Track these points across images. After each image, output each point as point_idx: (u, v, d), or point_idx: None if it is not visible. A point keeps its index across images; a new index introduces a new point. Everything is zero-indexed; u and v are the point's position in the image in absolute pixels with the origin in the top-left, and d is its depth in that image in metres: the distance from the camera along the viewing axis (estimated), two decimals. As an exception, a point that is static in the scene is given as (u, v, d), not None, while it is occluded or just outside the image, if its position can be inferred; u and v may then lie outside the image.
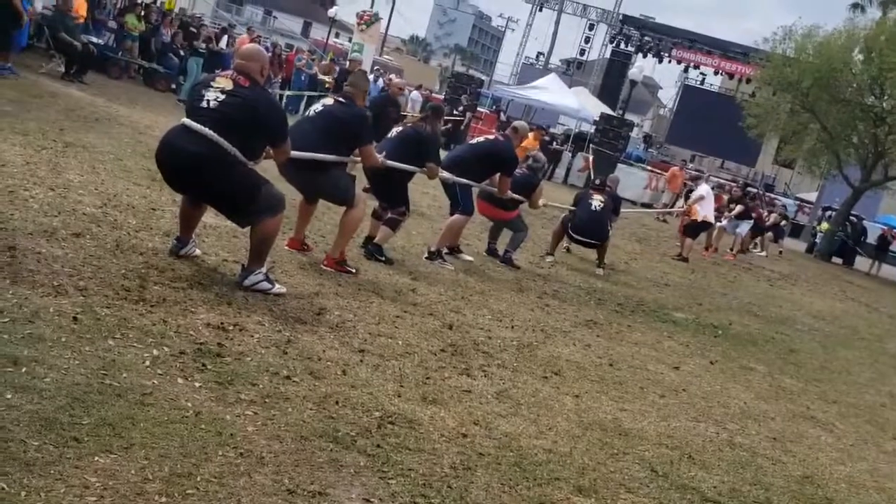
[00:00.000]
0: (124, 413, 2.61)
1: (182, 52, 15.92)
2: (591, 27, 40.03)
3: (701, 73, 37.02)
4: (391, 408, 3.28)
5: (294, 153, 4.66)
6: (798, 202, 31.21)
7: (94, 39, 13.75)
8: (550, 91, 25.57)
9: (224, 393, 2.99)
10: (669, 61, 35.15)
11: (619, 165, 21.51)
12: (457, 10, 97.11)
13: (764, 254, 16.20)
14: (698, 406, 4.58)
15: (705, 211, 12.20)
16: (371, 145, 5.46)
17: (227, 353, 3.36)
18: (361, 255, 5.96)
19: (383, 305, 4.82)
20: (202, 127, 4.03)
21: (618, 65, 35.54)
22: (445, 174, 6.61)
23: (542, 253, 8.77)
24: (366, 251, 6.03)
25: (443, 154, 7.08)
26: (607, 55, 38.79)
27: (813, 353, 7.35)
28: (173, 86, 15.63)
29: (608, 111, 25.79)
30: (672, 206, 18.23)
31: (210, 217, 4.99)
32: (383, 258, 5.97)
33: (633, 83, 26.67)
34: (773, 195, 29.24)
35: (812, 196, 30.56)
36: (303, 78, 19.42)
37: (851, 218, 22.34)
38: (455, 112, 21.22)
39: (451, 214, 6.87)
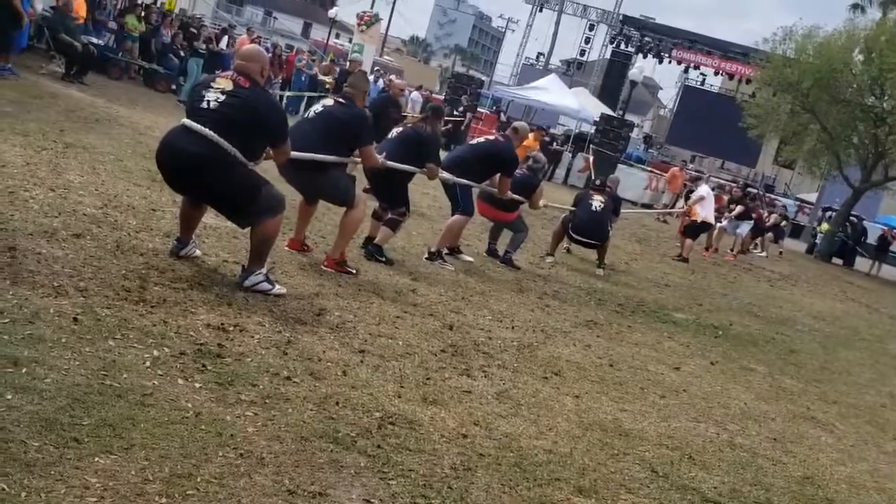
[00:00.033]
0: (124, 414, 2.61)
1: (182, 53, 15.92)
2: (592, 28, 40.08)
3: (701, 74, 37.02)
4: (391, 408, 3.28)
5: (294, 154, 4.66)
6: (798, 203, 31.19)
7: (95, 40, 13.75)
8: (550, 92, 25.57)
9: (224, 394, 2.99)
10: (670, 62, 35.17)
11: (620, 166, 21.50)
12: (457, 10, 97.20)
13: (764, 254, 16.19)
14: (699, 407, 4.58)
15: (705, 212, 12.19)
16: (371, 146, 5.46)
17: (227, 353, 3.36)
18: (362, 255, 5.96)
19: (383, 306, 4.82)
20: (202, 127, 4.03)
21: (618, 65, 35.52)
22: (445, 175, 6.61)
23: (543, 253, 8.77)
24: (366, 252, 6.03)
25: (443, 155, 7.08)
26: (607, 56, 38.79)
27: (813, 353, 7.35)
28: (173, 86, 15.64)
29: (608, 112, 25.78)
30: (672, 207, 18.23)
31: (210, 218, 4.99)
32: (383, 259, 5.98)
33: (634, 84, 26.67)
34: (773, 196, 29.23)
35: (812, 196, 30.56)
36: (303, 79, 19.43)
37: (852, 218, 22.33)
38: (455, 113, 21.22)
39: (452, 215, 6.87)
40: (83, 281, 3.68)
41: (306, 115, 5.56)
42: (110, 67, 14.67)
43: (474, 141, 7.86)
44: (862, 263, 21.32)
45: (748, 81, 30.02)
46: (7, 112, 7.57)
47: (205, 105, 4.10)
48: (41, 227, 4.30)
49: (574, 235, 8.71)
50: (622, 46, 35.61)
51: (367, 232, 6.18)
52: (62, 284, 3.55)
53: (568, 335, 5.47)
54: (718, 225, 13.81)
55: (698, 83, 38.49)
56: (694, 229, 12.24)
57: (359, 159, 5.44)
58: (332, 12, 29.89)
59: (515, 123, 7.75)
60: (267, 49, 16.71)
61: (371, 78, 16.47)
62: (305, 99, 17.01)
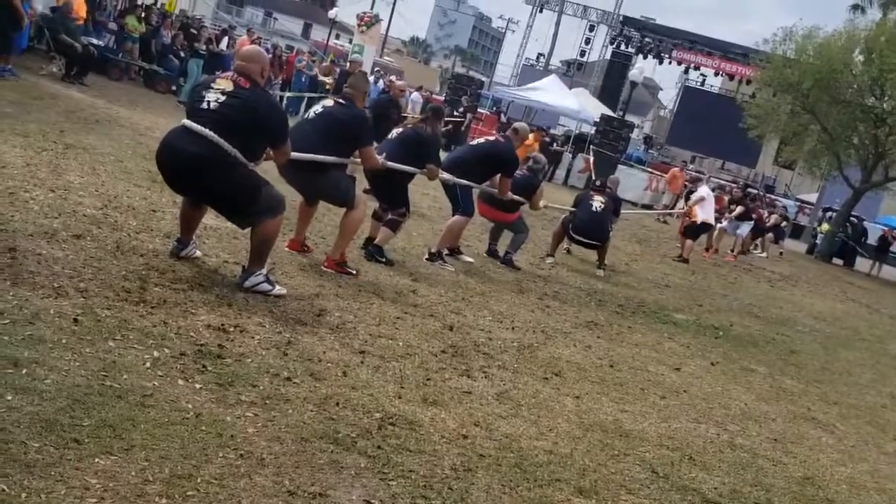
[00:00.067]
0: (125, 414, 2.61)
1: (182, 54, 15.93)
2: (592, 28, 40.10)
3: (701, 75, 37.04)
4: (392, 409, 3.28)
5: (294, 154, 4.66)
6: (798, 203, 31.19)
7: (95, 41, 13.76)
8: (551, 92, 25.56)
9: (224, 394, 2.99)
10: (670, 62, 35.19)
11: (620, 167, 21.49)
12: (457, 11, 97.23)
13: (764, 255, 16.19)
14: (699, 407, 4.58)
15: (705, 213, 12.18)
16: (371, 146, 5.46)
17: (227, 354, 3.36)
18: (362, 256, 5.96)
19: (384, 307, 4.82)
20: (203, 128, 4.03)
21: (618, 66, 35.55)
22: (446, 175, 6.61)
23: (543, 254, 8.77)
24: (366, 252, 6.03)
25: (443, 155, 7.08)
26: (608, 56, 38.82)
27: (814, 354, 7.34)
28: (174, 87, 15.65)
29: (608, 112, 25.79)
30: (672, 208, 18.22)
31: (210, 219, 4.99)
32: (384, 259, 5.97)
33: (634, 84, 26.69)
34: (773, 196, 29.22)
35: (812, 197, 30.55)
36: (303, 79, 19.44)
37: (852, 219, 22.33)
38: (455, 113, 21.23)
39: (453, 216, 6.87)
40: (83, 282, 3.68)
41: (306, 116, 5.57)
42: (110, 68, 14.68)
43: (474, 142, 7.86)
44: (862, 264, 21.33)
45: (748, 82, 30.05)
46: (7, 113, 7.57)
47: (205, 106, 4.10)
48: (41, 227, 4.30)
49: (574, 236, 8.71)
50: (622, 47, 35.64)
51: (368, 233, 6.18)
52: (62, 285, 3.55)
53: (568, 336, 5.47)
54: (719, 225, 13.81)
55: (698, 84, 38.51)
56: (694, 230, 12.23)
57: (359, 160, 5.44)
58: (332, 13, 29.93)
59: (516, 124, 7.76)
60: (267, 50, 16.69)
61: (371, 79, 16.46)
62: (305, 100, 17.02)
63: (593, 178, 16.08)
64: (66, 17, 12.50)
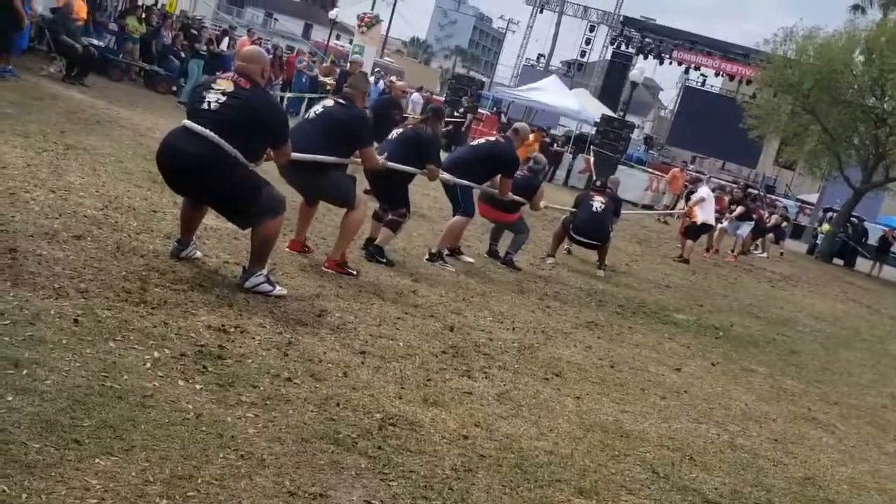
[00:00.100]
0: (125, 415, 2.61)
1: (183, 55, 15.93)
2: (592, 29, 40.10)
3: (702, 75, 37.02)
4: (392, 409, 3.28)
5: (294, 155, 4.66)
6: (799, 203, 31.17)
7: (95, 42, 13.77)
8: (551, 93, 25.57)
9: (225, 395, 2.99)
10: (670, 63, 35.17)
11: (620, 167, 21.49)
12: (457, 11, 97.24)
13: (765, 255, 16.18)
14: (699, 408, 4.58)
15: (705, 214, 12.17)
16: (371, 147, 5.47)
17: (228, 355, 3.36)
18: (362, 256, 5.96)
19: (384, 307, 4.82)
20: (203, 129, 4.03)
21: (618, 66, 35.54)
22: (446, 176, 6.62)
23: (543, 255, 8.77)
24: (367, 253, 6.03)
25: (443, 156, 7.08)
26: (608, 57, 38.80)
27: (814, 354, 7.34)
28: (174, 88, 15.64)
29: (609, 113, 25.78)
30: (673, 208, 18.22)
31: (211, 219, 4.99)
32: (384, 260, 5.97)
33: (634, 85, 26.71)
34: (773, 196, 29.21)
35: (813, 197, 30.55)
36: (303, 80, 19.44)
37: (852, 219, 22.31)
38: (456, 114, 21.22)
39: (453, 216, 6.87)
40: (84, 282, 3.68)
41: (307, 117, 5.57)
42: (111, 69, 14.68)
43: (475, 142, 7.86)
44: (863, 264, 21.32)
45: (749, 82, 30.02)
46: (8, 114, 7.58)
47: (205, 106, 4.11)
48: (42, 228, 4.31)
49: (575, 236, 8.72)
50: (623, 47, 35.62)
51: (368, 233, 6.18)
52: (63, 286, 3.55)
53: (569, 336, 5.47)
54: (719, 226, 13.80)
55: (699, 84, 38.49)
56: (694, 230, 12.23)
57: (359, 160, 5.45)
58: (332, 14, 29.96)
59: (516, 125, 7.76)
60: (267, 50, 16.69)
61: (371, 79, 16.48)
62: (306, 100, 17.02)
63: (594, 178, 16.09)
64: (66, 17, 12.50)
